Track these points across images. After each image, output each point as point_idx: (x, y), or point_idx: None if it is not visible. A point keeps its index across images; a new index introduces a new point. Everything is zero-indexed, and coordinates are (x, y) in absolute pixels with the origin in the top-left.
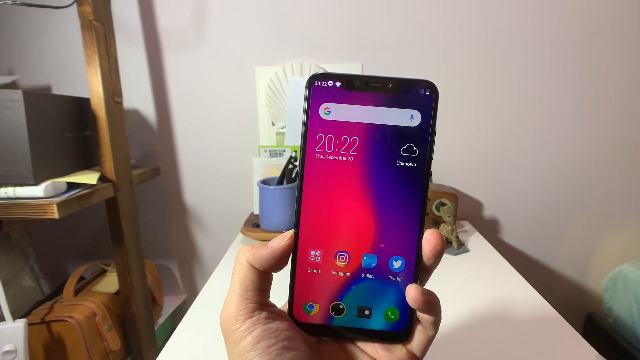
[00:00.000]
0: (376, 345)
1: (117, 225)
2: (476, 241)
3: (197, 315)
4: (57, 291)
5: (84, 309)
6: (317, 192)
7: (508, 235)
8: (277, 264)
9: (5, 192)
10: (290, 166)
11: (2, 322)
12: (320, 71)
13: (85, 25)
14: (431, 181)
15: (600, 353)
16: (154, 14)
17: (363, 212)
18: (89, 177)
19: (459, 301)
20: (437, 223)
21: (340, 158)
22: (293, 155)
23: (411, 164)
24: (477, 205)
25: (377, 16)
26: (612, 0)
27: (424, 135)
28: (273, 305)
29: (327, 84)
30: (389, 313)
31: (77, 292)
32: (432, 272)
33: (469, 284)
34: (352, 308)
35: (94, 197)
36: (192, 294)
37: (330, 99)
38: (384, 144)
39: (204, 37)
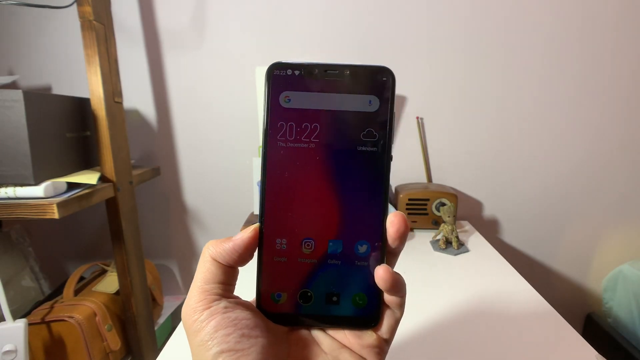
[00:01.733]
0: (346, 331)
1: (117, 225)
2: (476, 241)
3: None
4: (57, 291)
5: (84, 309)
6: (280, 181)
7: (508, 235)
8: (239, 257)
9: (6, 192)
10: None
11: (2, 322)
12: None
13: (86, 25)
14: (392, 166)
15: (600, 353)
16: (154, 14)
17: (326, 198)
18: (89, 177)
19: (459, 301)
20: (437, 223)
21: (301, 145)
22: None
23: (372, 149)
24: (477, 205)
25: (377, 16)
26: (612, 0)
27: (383, 119)
28: (236, 297)
29: (286, 73)
30: (357, 298)
31: (77, 292)
32: (398, 255)
33: (469, 284)
34: (320, 295)
35: (94, 197)
36: None
37: (290, 87)
38: (344, 129)
39: (204, 37)
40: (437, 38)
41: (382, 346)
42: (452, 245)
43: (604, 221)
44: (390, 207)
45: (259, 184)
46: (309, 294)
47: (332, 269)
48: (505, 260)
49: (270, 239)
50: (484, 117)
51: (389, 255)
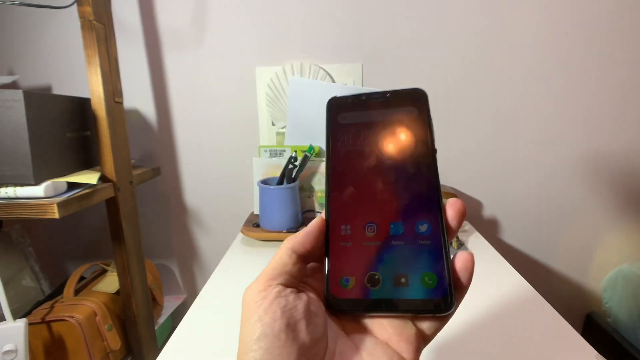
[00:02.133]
0: (386, 325)
1: (117, 225)
2: (476, 241)
3: (197, 315)
4: (57, 291)
5: (85, 308)
6: (342, 177)
7: (508, 235)
8: (314, 240)
9: (6, 192)
10: (291, 166)
11: (3, 322)
12: (320, 72)
13: (86, 25)
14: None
15: (599, 352)
16: (154, 14)
17: (383, 187)
18: (90, 177)
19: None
20: None
21: (357, 148)
22: (293, 155)
23: (417, 143)
24: (477, 205)
25: (377, 16)
26: (612, 0)
27: (422, 120)
28: (294, 288)
29: (341, 101)
30: (426, 278)
31: (77, 292)
32: (455, 235)
33: None
34: (388, 277)
35: (95, 197)
36: (192, 293)
37: (345, 110)
38: (391, 132)
39: (205, 37)
40: (437, 38)
41: (421, 342)
42: (452, 245)
43: (604, 221)
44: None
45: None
46: (376, 276)
47: (396, 249)
48: (505, 260)
49: (336, 227)
50: (484, 117)
51: (447, 235)
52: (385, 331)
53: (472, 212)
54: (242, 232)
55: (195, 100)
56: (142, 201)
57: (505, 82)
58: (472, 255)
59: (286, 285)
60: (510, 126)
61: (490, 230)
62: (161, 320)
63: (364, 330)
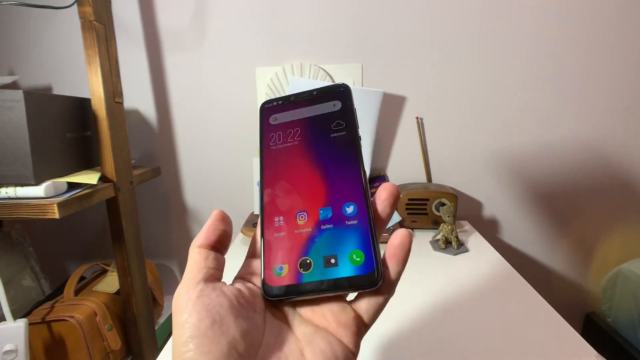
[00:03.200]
0: (324, 310)
1: (117, 225)
2: (476, 241)
3: None
4: (57, 291)
5: (85, 308)
6: (274, 174)
7: (508, 235)
8: (216, 230)
9: (6, 192)
10: None
11: (3, 322)
12: (320, 72)
13: (86, 25)
14: (370, 161)
15: (599, 353)
16: (155, 14)
17: (312, 177)
18: (90, 177)
19: (459, 301)
20: (436, 223)
21: (287, 145)
22: None
23: (342, 133)
24: (477, 205)
25: (377, 16)
26: (614, 0)
27: (346, 112)
28: (217, 282)
29: (272, 104)
30: (354, 256)
31: (77, 292)
32: (387, 224)
33: (468, 284)
34: (319, 260)
35: (95, 197)
36: None
37: (276, 111)
38: (318, 126)
39: (205, 37)
40: (437, 38)
41: (360, 326)
42: (452, 245)
43: (604, 221)
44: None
45: (258, 182)
46: (307, 261)
47: (326, 233)
48: (504, 260)
49: (270, 219)
50: (484, 117)
51: (379, 222)
52: (324, 319)
53: (472, 212)
54: (242, 232)
55: (195, 100)
56: (142, 201)
57: (506, 82)
58: (409, 232)
59: (207, 280)
60: (510, 126)
61: (490, 230)
62: (161, 320)
63: (306, 322)
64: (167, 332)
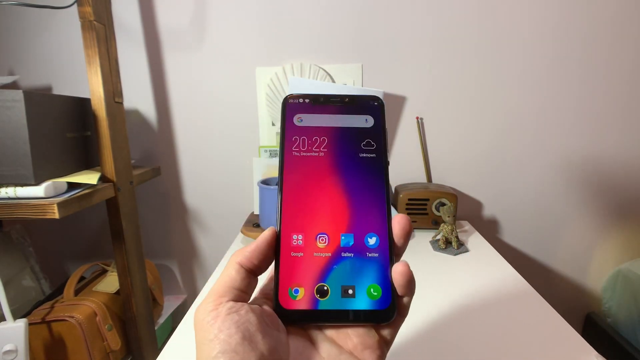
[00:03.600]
0: (350, 333)
1: (117, 225)
2: (476, 241)
3: None
4: (57, 291)
5: (85, 308)
6: (295, 184)
7: (508, 235)
8: (263, 255)
9: (6, 192)
10: None
11: (3, 322)
12: (320, 72)
13: (86, 25)
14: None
15: (599, 353)
16: (155, 14)
17: (336, 198)
18: (90, 177)
19: (459, 301)
20: (437, 223)
21: (312, 154)
22: None
23: (371, 155)
24: (477, 205)
25: (377, 17)
26: (614, 1)
27: (378, 133)
28: (243, 302)
29: (298, 101)
30: (372, 290)
31: (77, 292)
32: (402, 255)
33: (468, 284)
34: (336, 288)
35: (95, 197)
36: (193, 293)
37: (301, 111)
38: (347, 141)
39: (205, 37)
40: (437, 38)
41: (383, 348)
42: (452, 245)
43: (604, 221)
44: (393, 210)
45: (276, 190)
46: (325, 287)
47: (345, 261)
48: (505, 260)
49: (287, 236)
50: (484, 117)
51: (396, 257)
52: (350, 341)
53: (472, 212)
54: (242, 232)
55: (195, 100)
56: (142, 201)
57: (506, 83)
58: (406, 266)
59: (236, 300)
60: (510, 126)
61: (490, 230)
62: (161, 320)
63: (330, 341)
64: (167, 332)
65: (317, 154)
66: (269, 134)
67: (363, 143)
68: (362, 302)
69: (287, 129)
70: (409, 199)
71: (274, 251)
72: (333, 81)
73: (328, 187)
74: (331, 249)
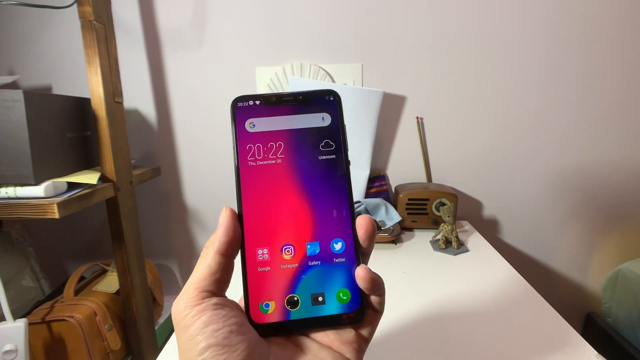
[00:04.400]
0: (328, 331)
1: (117, 225)
2: (476, 241)
3: None
4: (57, 291)
5: (85, 308)
6: (255, 196)
7: (508, 235)
8: (234, 239)
9: (6, 192)
10: None
11: (3, 322)
12: (320, 72)
13: (86, 25)
14: (351, 171)
15: (599, 353)
16: (155, 14)
17: (298, 205)
18: (90, 177)
19: (459, 301)
20: (436, 223)
21: (269, 162)
22: None
23: (331, 156)
24: (477, 205)
25: (377, 17)
26: (614, 1)
27: (336, 131)
28: (226, 297)
29: (248, 104)
30: (341, 294)
31: (77, 292)
32: (369, 254)
33: (468, 284)
34: (306, 297)
35: (95, 197)
36: None
37: (253, 114)
38: (304, 144)
39: (205, 37)
40: (437, 38)
41: (361, 343)
42: (452, 245)
43: (604, 221)
44: (394, 210)
45: (237, 201)
46: (295, 298)
47: (313, 270)
48: (505, 260)
49: (252, 251)
50: (484, 117)
51: (363, 257)
52: (327, 337)
53: (472, 212)
54: None
55: (195, 100)
56: (142, 201)
57: (506, 83)
58: (365, 270)
59: (216, 293)
60: (510, 126)
61: (490, 230)
62: (161, 320)
63: (308, 338)
64: (167, 332)
65: (274, 161)
66: None
67: (321, 144)
68: (332, 307)
69: (240, 137)
70: (409, 199)
71: (238, 227)
72: (333, 81)
73: (289, 197)
74: (298, 259)
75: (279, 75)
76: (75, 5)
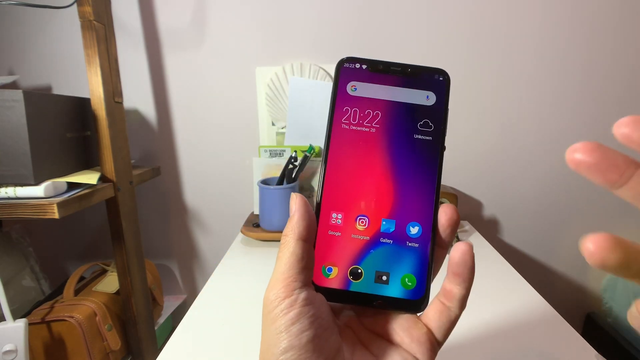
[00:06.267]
0: (396, 328)
1: (117, 225)
2: (476, 241)
3: (197, 315)
4: (57, 291)
5: (85, 308)
6: (341, 159)
7: (508, 235)
8: (311, 221)
9: (6, 192)
10: (290, 166)
11: (3, 322)
12: (321, 72)
13: (86, 25)
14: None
15: (599, 353)
16: (154, 14)
17: (383, 179)
18: (89, 177)
19: None
20: None
21: (363, 129)
22: (293, 155)
23: (427, 138)
24: (477, 205)
25: (377, 17)
26: (614, 1)
27: (439, 113)
28: (313, 290)
29: (355, 66)
30: (406, 280)
31: (77, 292)
32: (447, 248)
33: None
34: (370, 273)
35: (94, 197)
36: (192, 293)
37: (357, 78)
38: (403, 118)
39: (205, 37)
40: (437, 38)
41: (433, 343)
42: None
43: (604, 221)
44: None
45: (321, 162)
46: (359, 270)
47: (383, 247)
48: (505, 260)
49: (326, 213)
50: (484, 117)
51: (439, 249)
52: (396, 335)
53: (472, 212)
54: (242, 232)
55: (195, 100)
56: (142, 201)
57: (507, 83)
58: (469, 246)
59: (305, 282)
60: (511, 126)
61: (490, 230)
62: (161, 320)
63: (377, 337)
64: (167, 332)
65: (368, 129)
66: (269, 134)
67: (420, 123)
68: (394, 289)
69: (339, 98)
70: None
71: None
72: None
73: (376, 168)
74: (370, 233)
75: (279, 75)
76: (75, 5)
